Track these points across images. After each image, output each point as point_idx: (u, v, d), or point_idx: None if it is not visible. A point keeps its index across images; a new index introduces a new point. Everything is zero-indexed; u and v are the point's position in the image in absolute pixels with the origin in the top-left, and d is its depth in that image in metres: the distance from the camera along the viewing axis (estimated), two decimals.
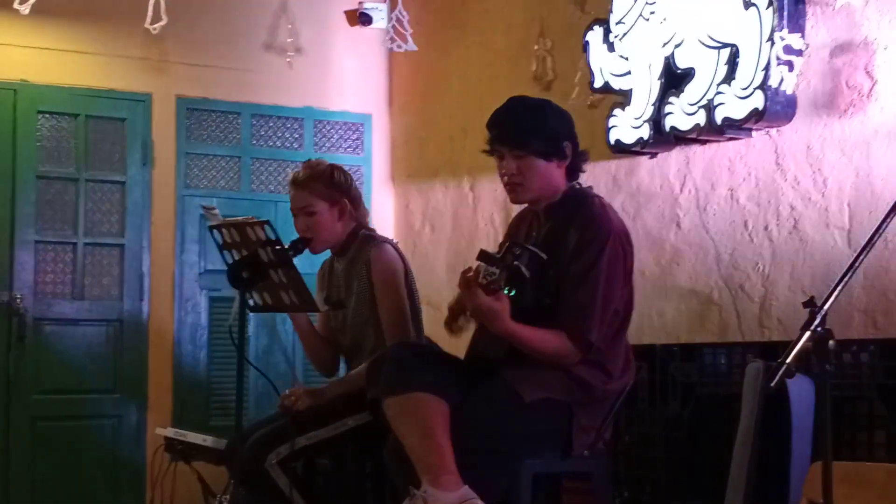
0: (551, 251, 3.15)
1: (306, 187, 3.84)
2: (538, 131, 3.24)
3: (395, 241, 3.95)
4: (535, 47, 5.41)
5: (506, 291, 2.96)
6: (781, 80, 3.96)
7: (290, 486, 3.60)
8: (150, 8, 5.32)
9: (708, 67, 4.23)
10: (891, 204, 2.52)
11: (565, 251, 3.16)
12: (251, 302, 3.67)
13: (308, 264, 4.54)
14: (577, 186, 3.33)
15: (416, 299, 3.87)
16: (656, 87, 4.46)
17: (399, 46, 5.95)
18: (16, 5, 5.24)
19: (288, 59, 5.92)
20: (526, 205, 3.42)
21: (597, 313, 3.11)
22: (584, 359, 3.15)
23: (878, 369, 3.57)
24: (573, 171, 3.30)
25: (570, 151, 3.26)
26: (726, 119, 4.12)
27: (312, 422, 3.69)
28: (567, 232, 3.18)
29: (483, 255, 2.97)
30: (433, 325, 3.85)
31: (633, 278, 3.28)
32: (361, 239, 3.86)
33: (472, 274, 2.96)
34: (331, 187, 3.85)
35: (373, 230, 3.96)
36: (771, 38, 3.96)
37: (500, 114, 3.29)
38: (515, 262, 2.90)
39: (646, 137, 4.52)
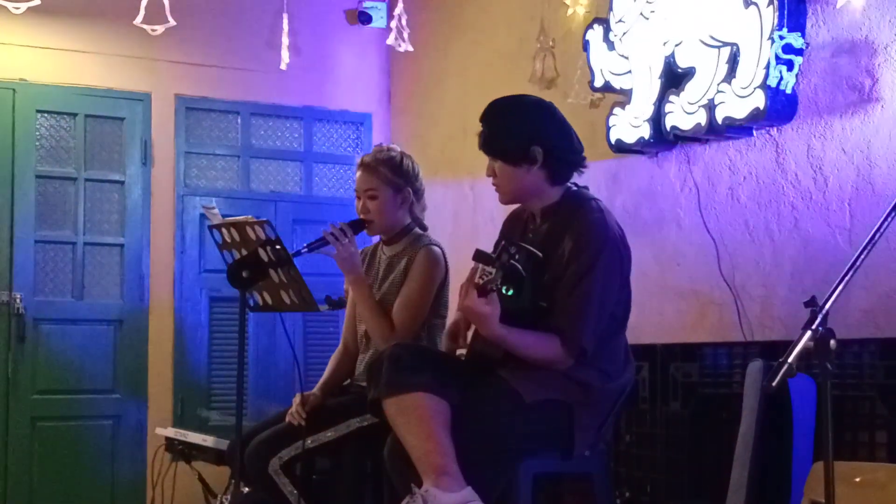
0: (547, 254, 3.15)
1: (374, 171, 3.84)
2: (505, 137, 3.24)
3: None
4: (536, 46, 5.40)
5: (504, 290, 2.95)
6: (782, 79, 3.96)
7: (295, 494, 3.61)
8: (143, 8, 5.31)
9: (708, 66, 4.22)
10: (892, 203, 2.52)
11: (561, 255, 3.14)
12: (251, 302, 3.66)
13: (308, 263, 4.54)
14: (575, 188, 3.31)
15: (442, 311, 3.85)
16: (657, 86, 4.45)
17: (401, 45, 5.94)
18: (3, 2, 5.23)
19: (283, 64, 5.91)
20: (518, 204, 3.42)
21: (591, 320, 3.10)
22: (581, 361, 3.14)
23: (880, 369, 3.56)
24: (555, 175, 3.25)
25: (539, 156, 3.20)
26: (727, 118, 4.11)
27: (317, 425, 3.69)
28: (563, 235, 3.17)
29: (479, 255, 2.96)
30: None
31: (630, 282, 3.27)
32: (413, 237, 3.86)
33: (470, 275, 2.97)
34: (398, 174, 3.85)
35: (425, 228, 3.96)
36: (771, 37, 3.96)
37: (481, 117, 3.30)
38: (511, 262, 2.90)
39: (646, 137, 4.51)
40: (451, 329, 3.41)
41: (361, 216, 3.85)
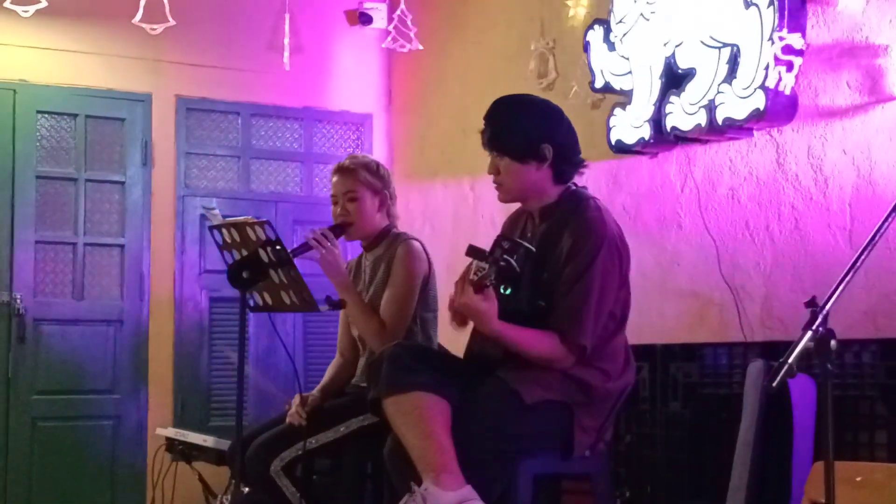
0: (546, 253, 3.14)
1: (352, 174, 3.92)
2: (513, 134, 3.23)
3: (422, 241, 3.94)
4: (535, 47, 5.41)
5: (502, 290, 2.95)
6: (782, 79, 3.96)
7: (296, 495, 3.61)
8: (142, 8, 5.31)
9: (709, 67, 4.22)
10: (892, 204, 2.52)
11: (560, 254, 3.14)
12: (251, 302, 3.66)
13: (308, 264, 4.55)
14: (573, 188, 3.31)
15: (432, 305, 3.87)
16: (657, 86, 4.46)
17: (402, 46, 5.94)
18: (8, 5, 5.23)
19: (285, 62, 5.92)
20: (519, 204, 3.42)
21: (590, 318, 3.10)
22: (583, 360, 3.14)
23: (880, 369, 3.57)
24: (560, 175, 3.26)
25: (549, 154, 3.21)
26: (727, 119, 4.12)
27: (317, 425, 3.69)
28: (562, 235, 3.17)
29: (472, 251, 2.95)
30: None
31: (629, 281, 3.26)
32: (392, 237, 3.91)
33: (464, 271, 2.96)
34: (375, 177, 3.93)
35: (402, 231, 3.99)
36: (771, 38, 3.96)
37: (486, 115, 3.30)
38: (505, 257, 2.89)
39: (647, 137, 4.52)
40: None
41: (340, 220, 3.88)
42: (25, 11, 5.24)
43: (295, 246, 3.77)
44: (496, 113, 3.29)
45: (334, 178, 3.96)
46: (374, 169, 3.94)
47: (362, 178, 3.90)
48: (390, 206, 3.96)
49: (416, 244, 3.85)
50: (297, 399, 3.79)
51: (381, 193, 3.92)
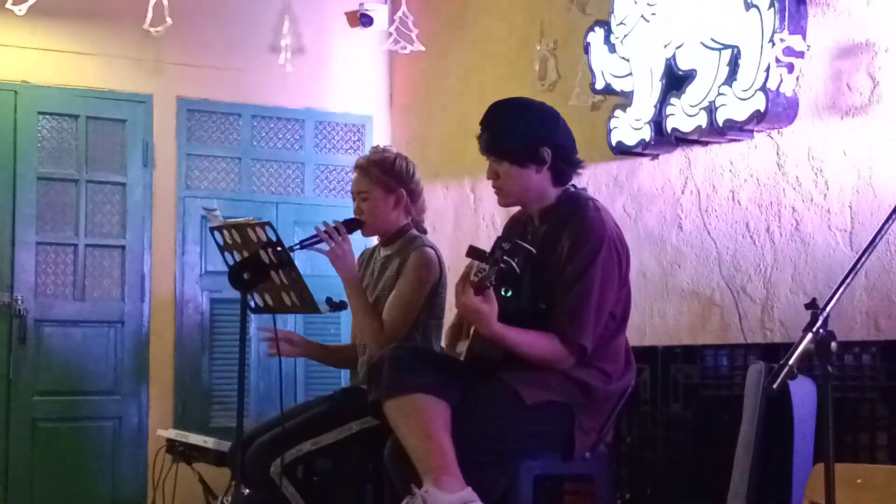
0: (546, 255, 3.14)
1: (365, 172, 3.86)
2: (512, 138, 3.22)
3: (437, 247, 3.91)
4: (537, 48, 5.41)
5: (502, 292, 2.95)
6: (782, 81, 3.96)
7: (297, 496, 3.61)
8: (151, 9, 5.31)
9: (709, 69, 4.23)
10: (892, 206, 2.53)
11: (560, 255, 3.14)
12: (252, 303, 3.67)
13: (309, 265, 4.55)
14: (573, 189, 3.31)
15: (438, 312, 3.85)
16: (658, 88, 4.46)
17: (403, 48, 5.94)
18: (8, 5, 5.23)
19: (282, 63, 5.92)
20: (519, 207, 3.41)
21: (590, 318, 3.09)
22: (583, 361, 3.14)
23: (880, 371, 3.57)
24: (560, 176, 3.26)
25: (548, 156, 3.21)
26: (728, 120, 4.12)
27: (318, 427, 3.69)
28: (561, 236, 3.16)
29: (472, 252, 2.95)
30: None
31: (629, 281, 3.26)
32: (408, 238, 3.86)
33: (465, 271, 2.97)
34: (389, 175, 3.84)
35: (424, 231, 3.96)
36: (772, 40, 3.96)
37: (482, 120, 3.29)
38: (505, 258, 2.89)
39: (647, 139, 4.52)
40: (456, 323, 3.39)
41: (356, 217, 3.87)
42: (20, 10, 5.24)
43: (302, 239, 3.77)
44: (493, 117, 3.27)
45: (353, 176, 3.92)
46: (389, 166, 3.85)
47: (374, 177, 3.83)
48: (409, 204, 3.88)
49: (430, 252, 3.80)
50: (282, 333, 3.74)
51: (395, 191, 3.84)
